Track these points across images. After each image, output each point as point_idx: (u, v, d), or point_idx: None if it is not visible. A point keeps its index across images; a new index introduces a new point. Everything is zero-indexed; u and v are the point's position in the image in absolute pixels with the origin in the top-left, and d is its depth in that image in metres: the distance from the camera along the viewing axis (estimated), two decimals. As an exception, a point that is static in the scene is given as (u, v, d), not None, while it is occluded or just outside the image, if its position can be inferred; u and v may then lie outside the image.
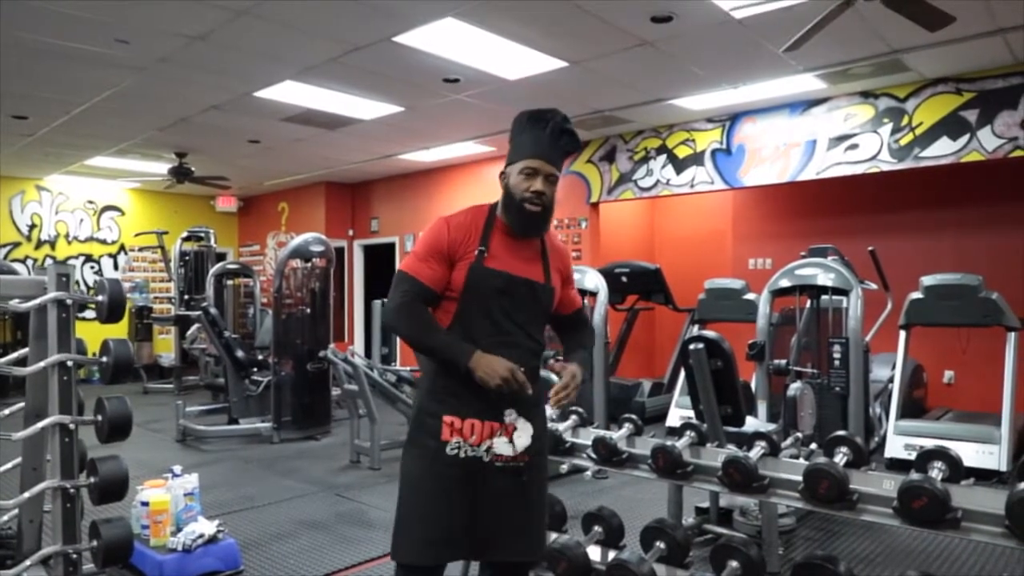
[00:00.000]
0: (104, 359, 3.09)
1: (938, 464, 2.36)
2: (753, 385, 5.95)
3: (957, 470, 2.34)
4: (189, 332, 10.29)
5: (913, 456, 5.68)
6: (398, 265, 2.55)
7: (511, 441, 2.29)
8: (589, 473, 3.21)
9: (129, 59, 5.91)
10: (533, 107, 2.36)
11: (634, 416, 3.14)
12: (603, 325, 6.62)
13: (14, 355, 3.31)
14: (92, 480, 2.99)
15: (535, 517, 2.38)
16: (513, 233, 2.35)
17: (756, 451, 2.68)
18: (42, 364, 2.96)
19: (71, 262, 11.58)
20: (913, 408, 6.66)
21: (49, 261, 11.46)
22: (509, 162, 2.35)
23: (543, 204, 2.30)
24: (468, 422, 2.26)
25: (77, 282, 4.69)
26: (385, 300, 8.94)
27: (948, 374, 7.69)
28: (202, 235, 11.34)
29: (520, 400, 2.28)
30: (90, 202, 12.21)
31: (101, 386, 3.12)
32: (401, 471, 2.36)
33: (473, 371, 2.19)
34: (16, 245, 11.47)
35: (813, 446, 4.25)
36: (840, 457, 2.57)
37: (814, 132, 7.27)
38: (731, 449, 2.82)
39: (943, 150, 6.48)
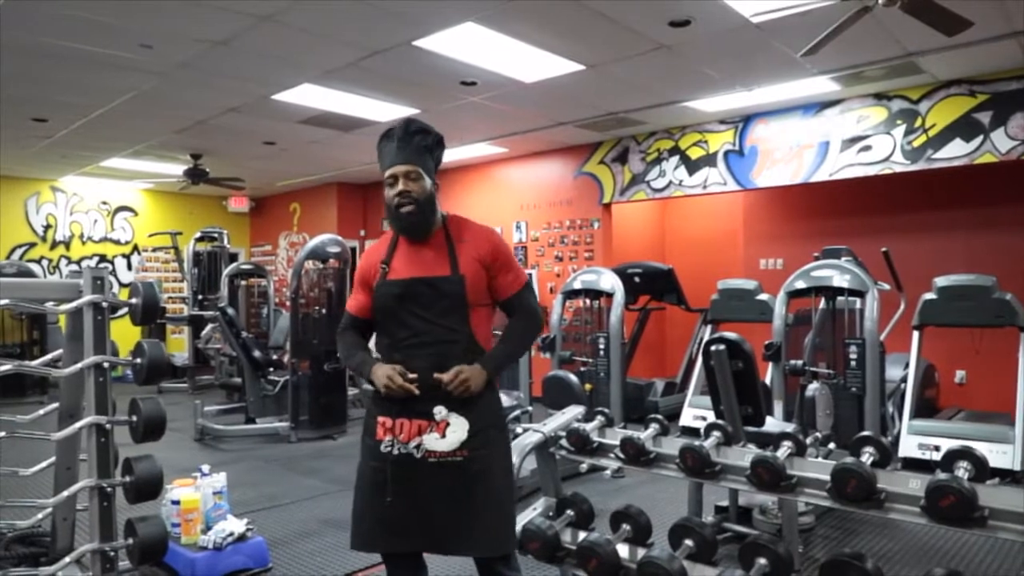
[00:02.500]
0: (138, 360, 3.15)
1: (964, 464, 2.41)
2: (769, 385, 5.99)
3: (983, 470, 2.39)
4: (203, 332, 10.35)
5: (927, 455, 5.78)
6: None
7: (443, 437, 2.38)
8: (608, 472, 3.27)
9: (151, 63, 5.98)
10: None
11: (660, 416, 3.19)
12: (619, 326, 6.67)
13: (48, 357, 3.38)
14: (128, 479, 3.05)
15: (488, 511, 2.42)
16: (410, 240, 2.53)
17: (783, 451, 2.73)
18: (79, 366, 3.02)
19: (86, 263, 11.66)
20: (925, 408, 6.69)
21: (64, 262, 11.61)
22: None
23: (414, 200, 2.45)
24: (399, 421, 2.41)
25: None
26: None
27: (960, 374, 7.72)
28: (215, 235, 11.41)
29: (451, 397, 2.38)
30: (104, 203, 12.30)
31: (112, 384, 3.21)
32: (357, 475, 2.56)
33: (372, 382, 2.46)
34: (31, 245, 11.56)
35: (832, 445, 4.31)
36: (866, 457, 2.62)
37: (827, 134, 7.31)
38: (755, 449, 2.87)
39: (956, 152, 6.52)
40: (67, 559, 3.02)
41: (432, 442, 2.38)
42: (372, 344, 2.66)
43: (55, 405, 3.31)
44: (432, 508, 2.39)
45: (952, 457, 2.45)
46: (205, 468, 4.13)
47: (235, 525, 3.85)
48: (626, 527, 3.13)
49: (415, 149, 2.48)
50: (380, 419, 2.45)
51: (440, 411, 2.39)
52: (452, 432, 2.38)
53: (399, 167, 2.45)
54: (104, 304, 3.06)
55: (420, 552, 2.53)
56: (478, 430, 2.42)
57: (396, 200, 2.45)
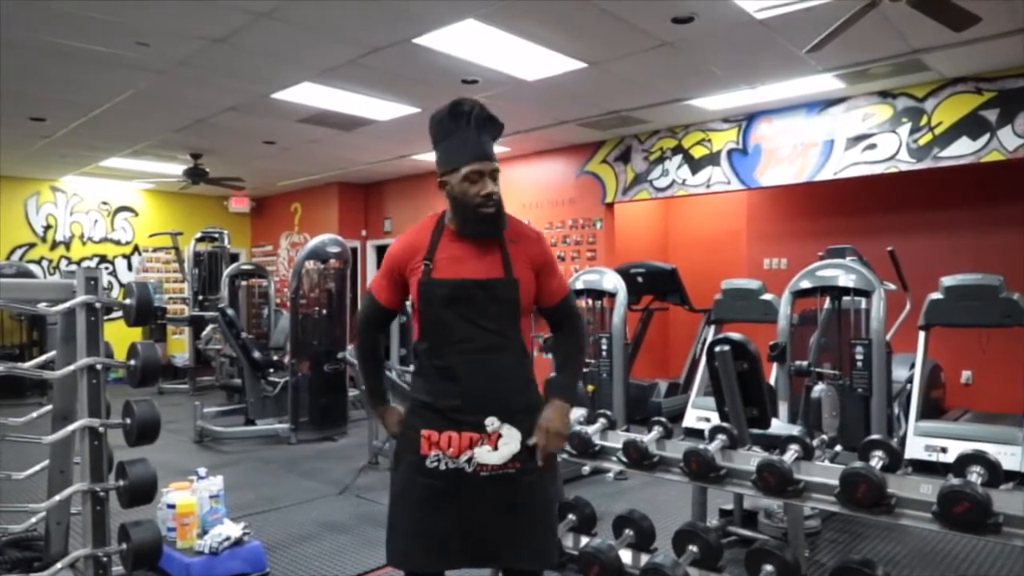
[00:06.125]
0: (132, 362, 3.09)
1: (977, 468, 2.36)
2: (774, 386, 5.93)
3: (996, 474, 2.34)
4: (204, 332, 10.30)
5: (933, 457, 5.71)
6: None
7: (496, 449, 2.24)
8: (611, 475, 3.21)
9: (149, 61, 5.92)
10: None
11: (663, 419, 3.13)
12: (622, 326, 6.61)
13: (41, 358, 3.33)
14: (121, 483, 3.00)
15: (538, 524, 2.33)
16: (466, 237, 2.30)
17: (790, 455, 2.67)
18: (72, 367, 2.97)
19: (86, 263, 11.62)
20: (931, 408, 6.63)
21: (64, 262, 11.57)
22: (447, 169, 2.29)
23: (497, 203, 2.27)
24: (446, 434, 2.25)
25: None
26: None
27: (966, 374, 7.65)
28: (216, 236, 11.38)
29: (503, 408, 2.26)
30: (104, 203, 12.25)
31: (111, 386, 3.15)
32: (390, 482, 2.42)
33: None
34: (31, 246, 11.51)
35: (838, 448, 4.25)
36: (876, 461, 2.56)
37: (832, 132, 7.24)
38: (761, 452, 2.81)
39: (963, 150, 6.45)
40: (59, 564, 2.96)
41: (484, 455, 2.23)
42: (394, 332, 2.53)
43: (48, 407, 3.27)
44: (483, 522, 2.26)
45: (965, 461, 2.39)
46: (202, 471, 4.08)
47: (232, 529, 3.79)
48: (629, 532, 3.08)
49: (491, 140, 2.30)
50: (424, 432, 2.28)
51: (493, 422, 2.25)
52: (504, 444, 2.25)
53: (485, 163, 2.25)
54: (97, 305, 3.01)
55: (457, 568, 2.40)
56: (527, 442, 2.30)
57: (479, 200, 2.24)
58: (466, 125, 2.25)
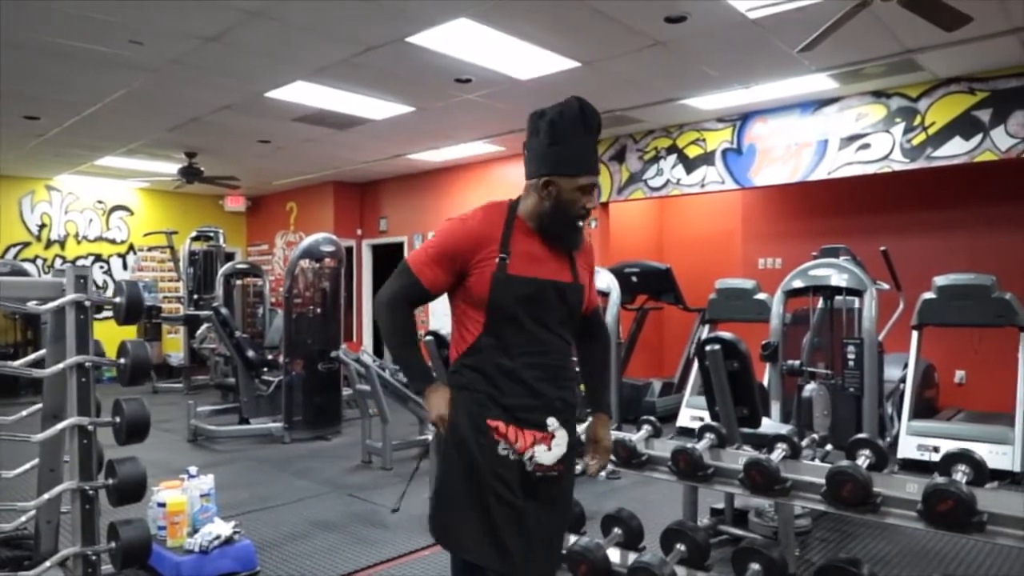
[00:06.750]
0: (122, 361, 3.09)
1: (962, 467, 2.36)
2: (766, 385, 5.93)
3: (981, 473, 2.34)
4: (199, 332, 10.31)
5: (926, 456, 5.72)
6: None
7: (549, 450, 2.21)
8: (603, 474, 3.21)
9: (142, 60, 5.92)
10: (540, 106, 2.23)
11: (652, 418, 3.14)
12: (616, 325, 6.61)
13: (32, 357, 3.32)
14: (111, 482, 3.00)
15: (561, 532, 2.33)
16: (542, 236, 2.25)
17: (778, 453, 2.68)
18: (61, 366, 2.97)
19: (80, 262, 11.61)
20: (924, 408, 6.64)
21: (59, 261, 11.55)
22: (561, 171, 2.19)
23: (588, 215, 2.27)
24: (511, 428, 2.19)
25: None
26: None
27: (959, 374, 7.66)
28: (211, 235, 11.37)
29: (560, 409, 2.23)
30: (99, 202, 12.24)
31: (106, 385, 3.13)
32: (445, 459, 2.26)
33: (423, 400, 2.28)
34: (26, 245, 11.50)
35: (828, 447, 4.25)
36: (862, 460, 2.56)
37: (826, 132, 7.25)
38: (749, 451, 2.81)
39: (956, 150, 6.46)
40: (47, 563, 2.97)
41: (541, 454, 2.20)
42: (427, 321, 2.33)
43: (39, 406, 3.26)
44: (534, 521, 2.21)
45: (950, 460, 2.40)
46: (193, 470, 4.07)
47: (222, 528, 3.79)
48: (617, 531, 3.08)
49: None
50: (491, 422, 2.18)
51: (553, 423, 2.22)
52: (556, 446, 2.21)
53: (594, 178, 2.22)
54: (87, 303, 3.01)
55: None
56: (572, 445, 2.29)
57: (582, 212, 2.22)
58: (586, 132, 2.19)
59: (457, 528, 2.19)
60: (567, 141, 2.18)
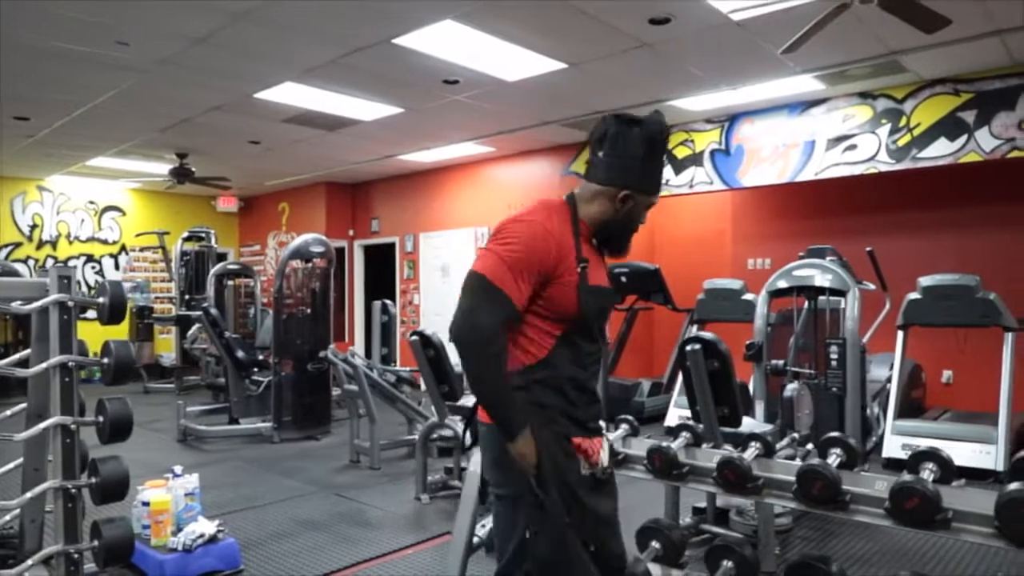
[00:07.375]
0: (105, 360, 3.11)
1: (930, 465, 2.39)
2: (751, 386, 5.96)
3: (949, 471, 2.37)
4: (190, 332, 10.32)
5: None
6: (472, 266, 2.09)
7: (605, 450, 2.24)
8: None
9: (130, 61, 5.94)
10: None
11: (630, 417, 3.17)
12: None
13: (16, 356, 3.34)
14: (93, 480, 3.01)
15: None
16: (597, 242, 2.25)
17: (750, 452, 2.70)
18: (44, 366, 2.99)
19: (72, 262, 11.62)
20: (911, 408, 6.68)
21: (51, 261, 11.56)
22: (644, 188, 2.16)
23: None
24: (585, 440, 2.13)
25: (78, 283, 4.72)
26: (387, 301, 8.82)
27: (946, 374, 7.70)
28: (203, 235, 11.39)
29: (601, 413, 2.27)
30: (91, 202, 12.25)
31: (101, 386, 3.14)
32: (548, 515, 2.04)
33: (511, 447, 2.00)
34: (17, 245, 11.51)
35: (809, 446, 4.28)
36: (833, 458, 2.59)
37: (813, 133, 7.30)
38: (726, 450, 2.84)
39: (941, 151, 6.51)
40: (29, 561, 2.98)
41: (605, 458, 2.21)
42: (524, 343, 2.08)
43: (23, 405, 3.28)
44: (612, 511, 2.26)
45: (918, 458, 2.43)
46: (177, 469, 4.10)
47: (206, 527, 3.82)
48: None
49: None
50: (576, 441, 2.10)
51: (604, 425, 2.27)
52: (604, 446, 2.24)
53: (657, 198, 2.22)
54: (70, 303, 3.03)
55: None
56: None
57: (638, 229, 2.27)
58: (662, 155, 2.19)
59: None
60: (647, 161, 2.13)
